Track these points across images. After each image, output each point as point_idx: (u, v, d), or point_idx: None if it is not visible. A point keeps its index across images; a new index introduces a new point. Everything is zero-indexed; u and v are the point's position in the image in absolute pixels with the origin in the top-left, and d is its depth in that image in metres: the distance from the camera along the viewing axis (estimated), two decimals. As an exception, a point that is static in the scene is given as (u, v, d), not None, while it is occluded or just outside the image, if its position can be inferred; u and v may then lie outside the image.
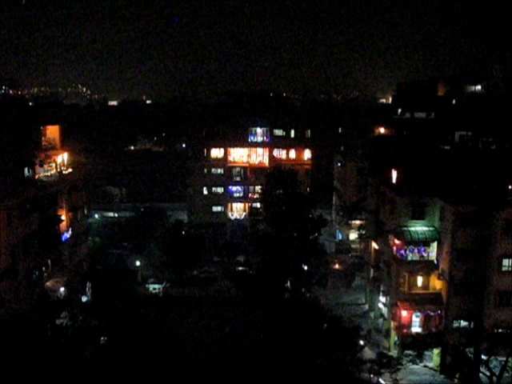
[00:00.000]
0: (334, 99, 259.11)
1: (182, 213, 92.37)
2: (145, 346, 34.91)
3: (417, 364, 45.01)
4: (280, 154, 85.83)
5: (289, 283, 55.56)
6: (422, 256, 49.96)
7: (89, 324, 36.69)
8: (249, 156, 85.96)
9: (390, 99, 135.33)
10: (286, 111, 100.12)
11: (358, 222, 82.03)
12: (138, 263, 68.18)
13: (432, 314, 48.99)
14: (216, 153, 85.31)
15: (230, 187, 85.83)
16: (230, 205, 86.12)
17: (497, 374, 41.60)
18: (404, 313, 49.21)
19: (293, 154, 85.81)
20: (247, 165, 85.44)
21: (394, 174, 51.99)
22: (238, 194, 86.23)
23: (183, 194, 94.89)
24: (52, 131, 54.62)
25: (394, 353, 49.99)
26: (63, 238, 54.85)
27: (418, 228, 49.55)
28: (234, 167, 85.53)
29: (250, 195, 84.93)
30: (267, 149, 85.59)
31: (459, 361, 43.74)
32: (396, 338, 50.86)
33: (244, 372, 35.88)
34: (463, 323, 48.10)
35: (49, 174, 52.52)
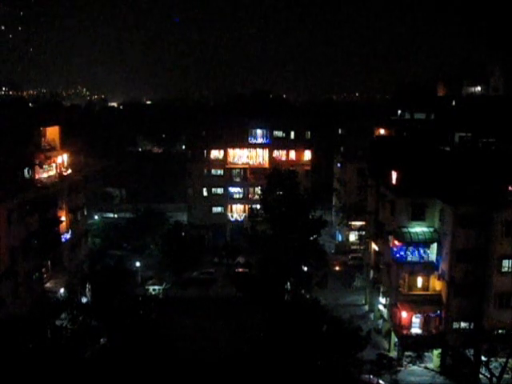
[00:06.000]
0: (334, 100, 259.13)
1: (182, 214, 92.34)
2: (145, 347, 34.90)
3: (417, 365, 45.07)
4: (280, 155, 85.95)
5: (289, 284, 55.55)
6: (422, 257, 49.96)
7: (89, 325, 36.66)
8: (249, 157, 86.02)
9: (390, 100, 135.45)
10: (286, 112, 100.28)
11: (357, 223, 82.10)
12: (137, 264, 68.18)
13: (432, 315, 48.97)
14: (216, 154, 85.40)
15: (230, 188, 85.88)
16: (229, 206, 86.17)
17: (497, 375, 41.62)
18: (404, 314, 49.21)
19: (293, 155, 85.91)
20: (247, 166, 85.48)
21: (394, 175, 52.01)
22: (237, 195, 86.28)
23: (183, 195, 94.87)
24: (52, 132, 54.64)
25: (393, 354, 50.02)
26: (63, 239, 54.88)
27: (418, 229, 49.57)
28: (234, 168, 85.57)
29: (249, 196, 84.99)
30: (267, 150, 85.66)
31: (459, 362, 43.77)
32: (396, 339, 50.85)
33: (244, 373, 35.87)
34: (463, 324, 48.09)
35: (49, 175, 52.53)
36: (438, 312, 48.71)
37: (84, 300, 52.05)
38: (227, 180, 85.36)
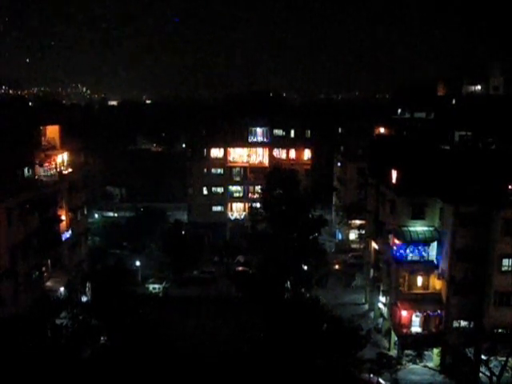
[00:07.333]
0: (334, 99, 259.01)
1: (182, 213, 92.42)
2: (145, 347, 34.89)
3: (417, 364, 45.08)
4: (280, 153, 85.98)
5: (289, 283, 55.55)
6: (422, 256, 49.96)
7: (89, 324, 36.64)
8: (249, 156, 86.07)
9: (390, 100, 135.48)
10: (286, 111, 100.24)
11: (357, 222, 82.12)
12: (137, 263, 68.18)
13: (432, 313, 48.99)
14: (216, 153, 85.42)
15: (230, 187, 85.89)
16: (229, 205, 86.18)
17: (497, 373, 41.64)
18: (404, 313, 49.22)
19: (293, 153, 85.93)
20: (247, 165, 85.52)
21: (394, 174, 52.00)
22: (237, 194, 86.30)
23: (183, 194, 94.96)
24: (52, 131, 54.55)
25: (393, 353, 50.04)
26: (63, 238, 54.81)
27: (418, 228, 49.56)
28: (234, 167, 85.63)
29: (249, 195, 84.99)
30: (267, 149, 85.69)
31: (459, 361, 43.77)
32: (396, 338, 50.86)
33: (244, 372, 35.86)
34: (463, 323, 48.09)
35: (49, 173, 52.46)
36: (438, 311, 48.71)
37: (84, 299, 52.00)
38: (227, 179, 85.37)
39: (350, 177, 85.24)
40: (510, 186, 46.49)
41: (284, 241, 58.00)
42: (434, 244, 49.43)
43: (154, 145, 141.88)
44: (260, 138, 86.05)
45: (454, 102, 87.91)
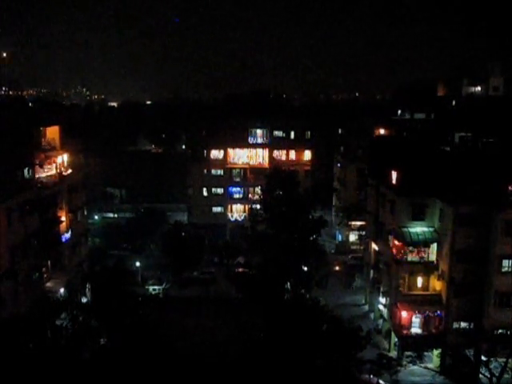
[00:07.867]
0: (334, 99, 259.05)
1: (182, 214, 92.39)
2: (145, 347, 34.88)
3: (417, 365, 45.08)
4: (280, 154, 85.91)
5: (289, 284, 55.55)
6: (422, 257, 49.98)
7: (89, 325, 36.63)
8: (249, 157, 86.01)
9: (390, 100, 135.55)
10: (286, 112, 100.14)
11: (357, 223, 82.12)
12: (137, 264, 68.19)
13: (432, 314, 49.00)
14: (216, 154, 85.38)
15: (230, 188, 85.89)
16: (229, 206, 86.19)
17: (497, 375, 41.62)
18: (404, 314, 49.22)
19: (293, 154, 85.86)
20: (247, 166, 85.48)
21: (394, 174, 52.02)
22: (237, 195, 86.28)
23: (183, 195, 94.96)
24: (52, 132, 54.56)
25: (393, 354, 50.04)
26: (63, 239, 54.86)
27: (418, 229, 49.57)
28: (234, 168, 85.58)
29: (249, 196, 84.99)
30: (267, 150, 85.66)
31: (459, 362, 43.79)
32: (396, 339, 50.86)
33: (244, 373, 35.86)
34: (463, 324, 48.10)
35: (49, 174, 52.49)
36: (438, 312, 48.73)
37: (84, 300, 51.98)
38: (227, 180, 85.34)
39: (350, 178, 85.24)
40: (509, 187, 46.49)
41: (284, 242, 57.99)
42: (434, 245, 49.44)
43: (153, 145, 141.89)
44: (260, 139, 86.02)
45: (453, 102, 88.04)
